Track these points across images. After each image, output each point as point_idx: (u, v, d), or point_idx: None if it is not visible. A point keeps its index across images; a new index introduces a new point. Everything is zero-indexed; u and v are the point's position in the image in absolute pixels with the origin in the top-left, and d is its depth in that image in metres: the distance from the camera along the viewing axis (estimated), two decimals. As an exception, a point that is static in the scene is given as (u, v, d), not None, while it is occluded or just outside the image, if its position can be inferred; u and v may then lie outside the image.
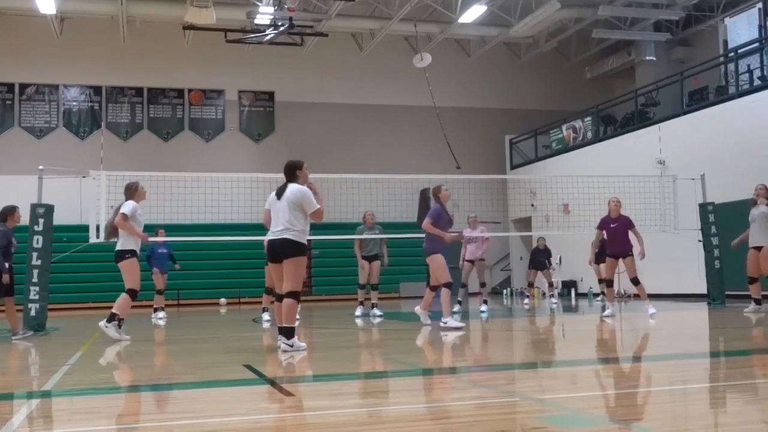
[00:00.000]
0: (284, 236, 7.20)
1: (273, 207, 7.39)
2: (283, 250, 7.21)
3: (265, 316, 12.29)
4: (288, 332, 7.17)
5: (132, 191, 9.24)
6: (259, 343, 9.19)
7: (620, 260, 11.41)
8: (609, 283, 11.86)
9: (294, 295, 7.17)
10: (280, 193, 7.35)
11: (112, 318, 8.78)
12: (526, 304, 16.08)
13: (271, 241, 7.36)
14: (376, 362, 6.92)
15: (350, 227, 14.26)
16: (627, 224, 11.47)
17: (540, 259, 16.70)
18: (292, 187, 7.33)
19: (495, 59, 25.67)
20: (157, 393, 5.15)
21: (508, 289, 23.87)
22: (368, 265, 13.32)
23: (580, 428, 3.78)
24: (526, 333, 9.98)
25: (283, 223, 7.20)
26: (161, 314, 14.01)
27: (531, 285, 17.00)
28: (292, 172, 7.43)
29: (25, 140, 22.39)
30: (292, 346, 7.15)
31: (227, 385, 5.46)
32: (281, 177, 7.53)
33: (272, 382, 5.35)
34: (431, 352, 7.96)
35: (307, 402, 4.70)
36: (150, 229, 15.29)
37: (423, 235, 9.98)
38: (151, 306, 14.50)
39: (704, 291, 14.40)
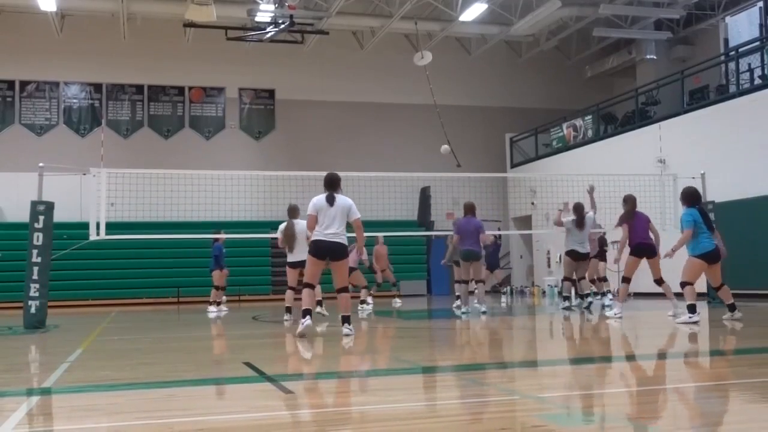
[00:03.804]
0: (338, 240, 8.25)
1: (323, 212, 8.31)
2: (337, 252, 8.27)
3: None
4: (349, 319, 8.36)
5: None
6: (259, 341, 9.20)
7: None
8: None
9: (347, 289, 8.58)
10: (331, 201, 8.30)
11: None
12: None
13: (322, 241, 8.26)
14: (375, 360, 6.93)
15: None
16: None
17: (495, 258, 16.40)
18: (342, 197, 8.41)
19: (495, 57, 25.66)
20: (157, 390, 5.15)
21: (508, 287, 23.85)
22: None
23: (579, 427, 3.79)
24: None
25: (337, 228, 8.26)
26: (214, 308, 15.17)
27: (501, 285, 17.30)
28: (337, 183, 8.49)
29: (26, 137, 22.40)
30: (352, 331, 8.28)
31: (227, 382, 5.47)
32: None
33: (272, 380, 5.35)
34: (431, 350, 7.97)
35: (307, 399, 4.70)
36: (206, 227, 15.54)
37: (424, 234, 10.10)
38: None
39: (704, 290, 14.37)
